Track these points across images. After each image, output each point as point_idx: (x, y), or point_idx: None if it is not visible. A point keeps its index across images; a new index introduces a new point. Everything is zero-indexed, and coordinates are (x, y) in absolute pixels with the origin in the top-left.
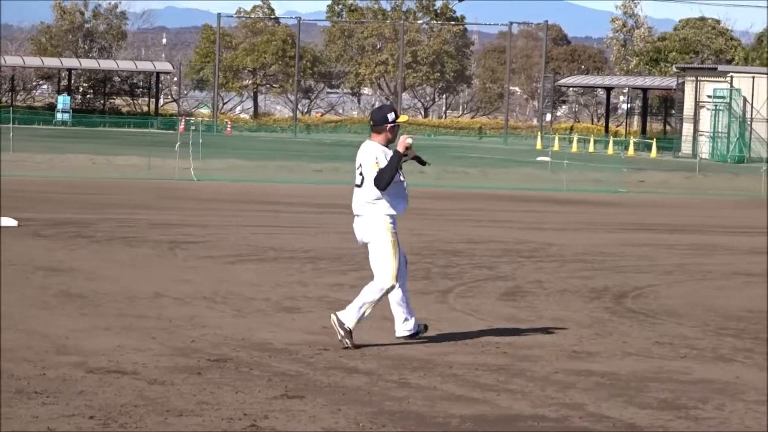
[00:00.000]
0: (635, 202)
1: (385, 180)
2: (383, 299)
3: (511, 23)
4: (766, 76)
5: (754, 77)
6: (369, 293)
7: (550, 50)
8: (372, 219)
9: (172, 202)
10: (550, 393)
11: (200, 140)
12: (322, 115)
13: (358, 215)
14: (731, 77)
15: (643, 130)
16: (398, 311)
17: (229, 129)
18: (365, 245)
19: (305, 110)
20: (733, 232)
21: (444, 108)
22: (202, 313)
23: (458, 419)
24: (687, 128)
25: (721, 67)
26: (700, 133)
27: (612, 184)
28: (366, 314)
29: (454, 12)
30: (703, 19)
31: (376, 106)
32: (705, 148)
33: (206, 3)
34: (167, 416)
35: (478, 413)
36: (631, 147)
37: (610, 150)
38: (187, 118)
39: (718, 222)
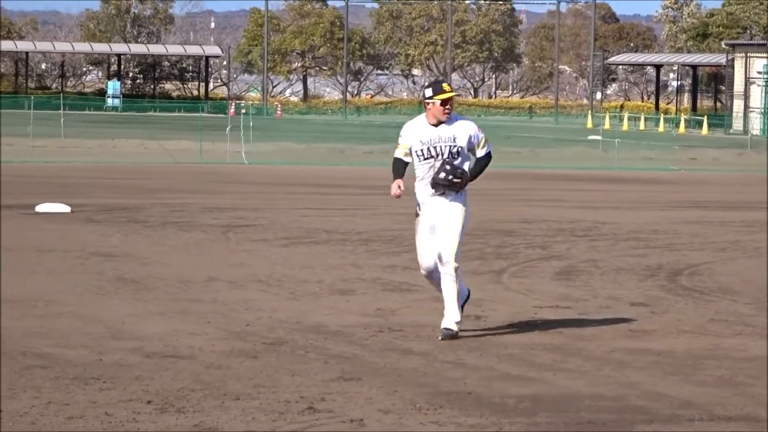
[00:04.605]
0: (687, 179)
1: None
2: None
3: (560, 1)
4: None
5: None
6: (449, 284)
7: (598, 28)
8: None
9: (223, 186)
10: (606, 372)
11: (251, 124)
12: (372, 97)
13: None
14: None
15: (694, 108)
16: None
17: (279, 112)
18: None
19: (355, 92)
20: None
21: (494, 88)
22: (256, 297)
23: (515, 399)
24: (737, 105)
25: None
26: (751, 109)
27: (663, 162)
28: (462, 296)
29: None
30: None
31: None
32: (756, 125)
33: None
34: (224, 400)
35: (535, 393)
36: (682, 124)
37: (661, 128)
38: (237, 101)
39: None
